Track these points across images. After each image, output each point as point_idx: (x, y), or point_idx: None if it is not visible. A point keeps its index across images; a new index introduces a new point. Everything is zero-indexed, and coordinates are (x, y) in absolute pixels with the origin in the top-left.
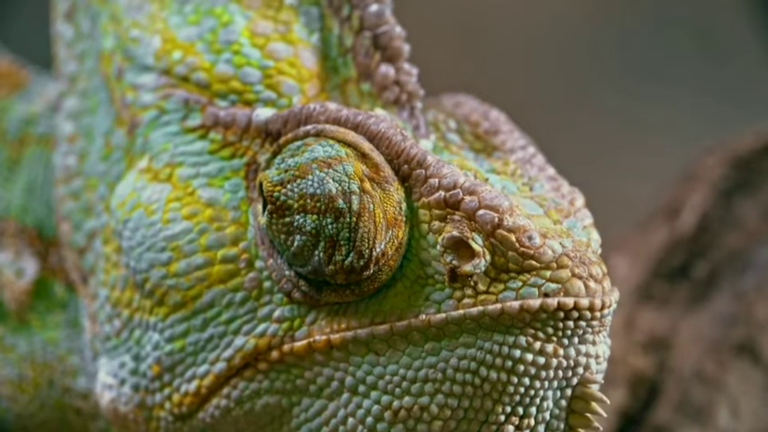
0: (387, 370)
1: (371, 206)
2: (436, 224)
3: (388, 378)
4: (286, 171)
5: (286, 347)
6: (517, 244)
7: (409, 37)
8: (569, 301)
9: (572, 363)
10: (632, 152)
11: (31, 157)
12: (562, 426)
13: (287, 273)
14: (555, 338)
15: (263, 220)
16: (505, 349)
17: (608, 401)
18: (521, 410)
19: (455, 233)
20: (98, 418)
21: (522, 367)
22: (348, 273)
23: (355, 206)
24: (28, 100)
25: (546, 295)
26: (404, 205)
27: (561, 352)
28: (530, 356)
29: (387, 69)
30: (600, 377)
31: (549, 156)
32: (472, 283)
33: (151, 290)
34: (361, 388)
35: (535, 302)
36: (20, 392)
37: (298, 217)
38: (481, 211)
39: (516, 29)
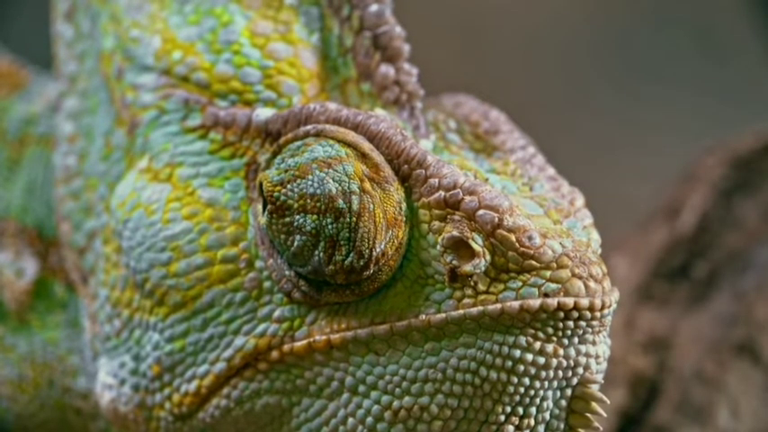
0: (387, 370)
1: (371, 206)
2: (436, 224)
3: (388, 378)
4: (286, 171)
5: (286, 347)
6: (517, 244)
7: (409, 37)
8: (569, 301)
9: (572, 363)
10: (632, 152)
11: (31, 157)
12: (562, 426)
13: (287, 273)
14: (555, 338)
15: (263, 220)
16: (505, 349)
17: (608, 401)
18: (521, 410)
19: (455, 233)
20: (98, 418)
21: (522, 367)
22: (348, 273)
23: (355, 206)
24: (28, 100)
25: (546, 295)
26: (404, 205)
27: (561, 352)
28: (530, 356)
29: (387, 69)
30: (600, 377)
31: (549, 156)
32: (472, 283)
33: (151, 290)
34: (361, 388)
35: (535, 302)
36: (20, 392)
37: (298, 217)
38: (481, 211)
39: (516, 29)
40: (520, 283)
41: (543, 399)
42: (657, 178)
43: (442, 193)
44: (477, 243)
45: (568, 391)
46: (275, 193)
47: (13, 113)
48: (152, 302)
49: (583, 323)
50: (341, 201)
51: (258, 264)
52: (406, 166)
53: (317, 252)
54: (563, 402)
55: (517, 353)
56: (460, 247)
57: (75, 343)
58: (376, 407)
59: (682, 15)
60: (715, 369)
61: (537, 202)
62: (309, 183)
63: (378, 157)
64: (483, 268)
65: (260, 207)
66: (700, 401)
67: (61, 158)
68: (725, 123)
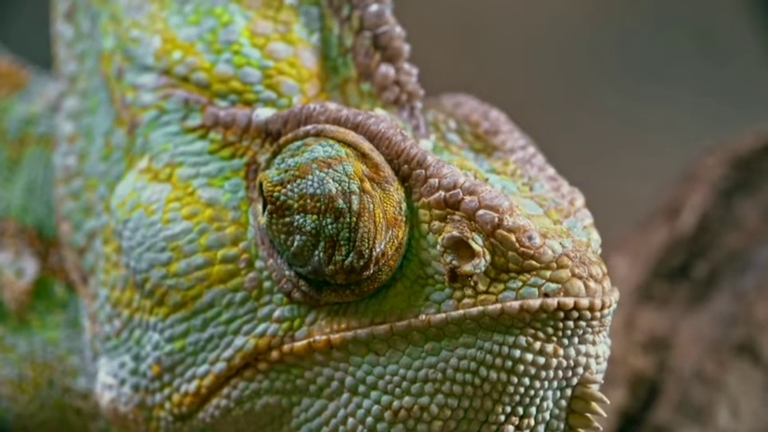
0: (387, 370)
1: (371, 206)
2: (436, 224)
3: (388, 378)
4: (286, 171)
5: (286, 347)
6: (517, 244)
7: (409, 37)
8: (569, 301)
9: (572, 363)
10: (632, 152)
11: (31, 157)
12: (562, 426)
13: (287, 273)
14: (555, 338)
15: (263, 220)
16: (505, 349)
17: (608, 401)
18: (521, 410)
19: (455, 233)
20: (98, 418)
21: (522, 367)
22: (348, 273)
23: (355, 206)
24: (28, 100)
25: (546, 295)
26: (404, 205)
27: (561, 352)
28: (530, 356)
29: (387, 69)
30: (600, 377)
31: (549, 156)
32: (472, 283)
33: (151, 290)
34: (361, 388)
35: (535, 302)
36: (20, 392)
37: (298, 217)
38: (481, 211)
39: (516, 29)
40: (520, 283)
41: (543, 399)
42: (657, 178)
43: (441, 193)
44: (477, 243)
45: (568, 391)
46: (275, 193)
47: (13, 113)
48: (152, 302)
49: (583, 323)
50: (341, 201)
51: (258, 264)
52: (406, 166)
53: (317, 252)
54: (563, 402)
55: (517, 353)
56: (460, 247)
57: (75, 343)
58: (376, 407)
59: (682, 15)
60: (715, 369)
61: (537, 202)
62: (309, 183)
63: (378, 157)
64: (483, 268)
65: (260, 207)
66: (700, 401)
67: (61, 158)
68: (725, 123)
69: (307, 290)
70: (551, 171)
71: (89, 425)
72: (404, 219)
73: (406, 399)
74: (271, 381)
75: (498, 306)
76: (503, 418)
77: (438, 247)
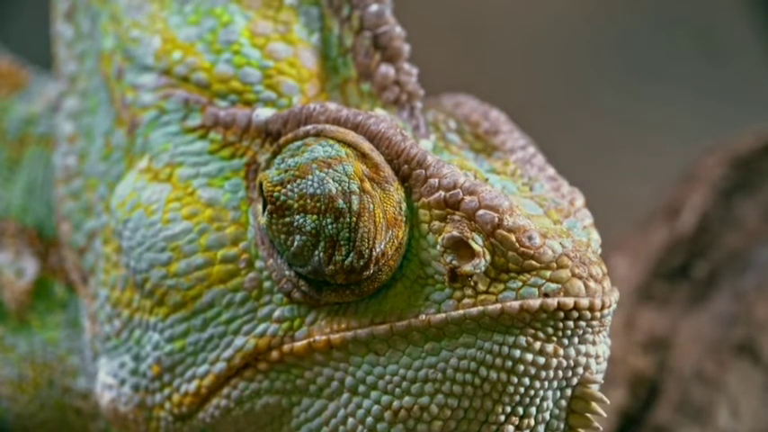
0: (387, 370)
1: (371, 206)
2: (436, 224)
3: (388, 378)
4: (286, 171)
5: (286, 347)
6: (517, 244)
7: (409, 37)
8: (569, 301)
9: (572, 363)
10: (632, 152)
11: (31, 157)
12: (562, 426)
13: (287, 273)
14: (555, 338)
15: (263, 220)
16: (505, 349)
17: (608, 401)
18: (521, 410)
19: (455, 233)
20: (98, 418)
21: (522, 367)
22: (348, 273)
23: (355, 206)
24: (28, 100)
25: (546, 295)
26: (404, 205)
27: (561, 352)
28: (530, 356)
29: (387, 69)
30: (600, 377)
31: (549, 156)
32: (472, 283)
33: (151, 290)
34: (361, 388)
35: (535, 302)
36: (20, 392)
37: (298, 217)
38: (481, 211)
39: (516, 29)
40: (520, 283)
41: (543, 399)
42: (657, 178)
43: (441, 193)
44: (477, 243)
45: (568, 391)
46: (275, 193)
47: (13, 113)
48: (152, 302)
49: (583, 323)
50: (341, 201)
51: (258, 264)
52: (406, 166)
53: (316, 252)
54: (563, 402)
55: (517, 353)
56: (460, 247)
57: (75, 343)
58: (376, 407)
59: (682, 15)
60: (715, 369)
61: (537, 202)
62: (309, 183)
63: (378, 157)
64: (483, 268)
65: (260, 207)
66: (700, 401)
67: (61, 158)
68: (725, 123)
69: (307, 290)
70: (551, 171)
71: (89, 425)
72: (404, 219)
73: (406, 399)
74: (271, 381)
75: (498, 306)
76: (503, 418)
77: (438, 247)
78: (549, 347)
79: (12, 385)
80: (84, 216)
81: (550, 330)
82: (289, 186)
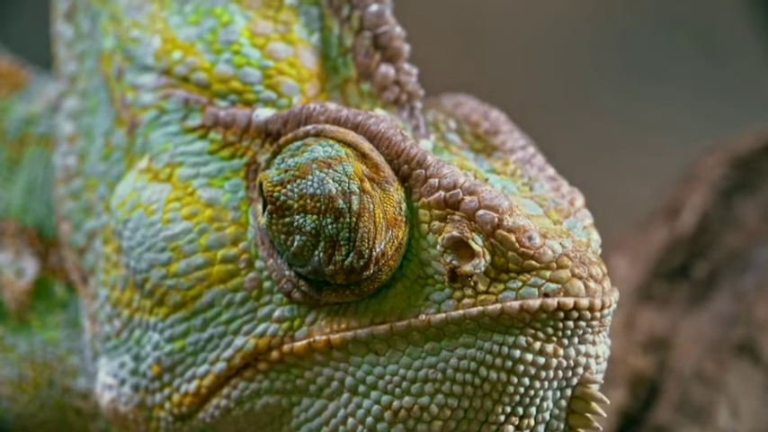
0: (387, 370)
1: (371, 206)
2: (436, 224)
3: (388, 378)
4: (286, 171)
5: (286, 347)
6: (517, 244)
7: (409, 37)
8: (569, 302)
9: (572, 363)
10: (632, 152)
11: (31, 157)
12: (562, 426)
13: (287, 273)
14: (555, 338)
15: (263, 220)
16: (505, 349)
17: (608, 401)
18: (521, 410)
19: (455, 233)
20: (98, 418)
21: (521, 367)
22: (348, 273)
23: (355, 206)
24: (28, 100)
25: (546, 295)
26: (404, 205)
27: (561, 352)
28: (530, 356)
29: (387, 69)
30: (600, 377)
31: (549, 156)
32: (472, 284)
33: (151, 290)
34: (361, 388)
35: (535, 302)
36: (20, 392)
37: (298, 217)
38: (481, 212)
39: (516, 29)
40: (520, 284)
41: (543, 399)
42: (657, 178)
43: (441, 193)
44: (476, 243)
45: (568, 392)
46: (275, 194)
47: (13, 113)
48: (152, 302)
49: (583, 323)
50: (341, 201)
51: (258, 264)
52: (406, 166)
53: (316, 252)
54: (563, 402)
55: (517, 353)
56: (460, 247)
57: (75, 343)
58: (376, 407)
59: (682, 15)
60: (715, 369)
61: (537, 202)
62: (309, 183)
63: (378, 157)
64: (483, 268)
65: (260, 207)
66: (700, 401)
67: (61, 158)
68: (725, 123)
69: (307, 290)
70: (551, 171)
71: (89, 425)
72: (404, 219)
73: (406, 399)
74: (271, 381)
75: (498, 306)
76: (503, 418)
77: (438, 247)
78: (549, 347)
79: (12, 385)
80: (84, 216)
81: (550, 330)
82: (289, 186)
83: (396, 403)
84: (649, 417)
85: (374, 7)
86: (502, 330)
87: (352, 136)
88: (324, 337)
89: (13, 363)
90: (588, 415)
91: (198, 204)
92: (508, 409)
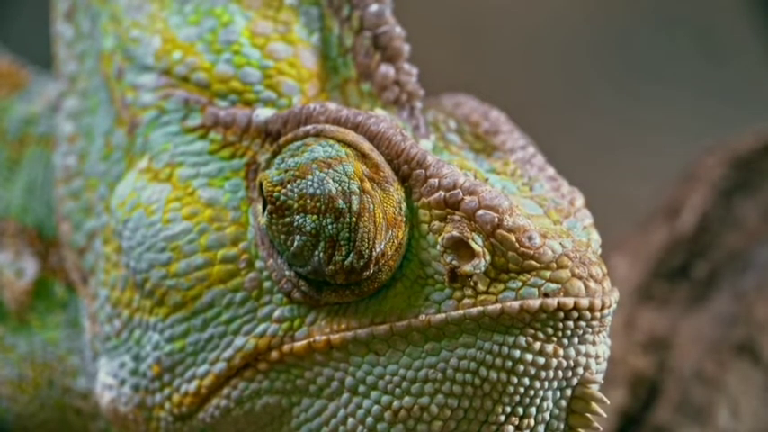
0: (387, 370)
1: (371, 206)
2: (436, 224)
3: (388, 378)
4: (286, 171)
5: (286, 347)
6: (517, 244)
7: (409, 37)
8: (569, 302)
9: (572, 363)
10: (632, 152)
11: (31, 157)
12: (562, 426)
13: (287, 273)
14: (555, 338)
15: (263, 220)
16: (505, 349)
17: (608, 401)
18: (521, 410)
19: (455, 233)
20: (98, 418)
21: (521, 367)
22: (348, 273)
23: (355, 206)
24: (28, 100)
25: (546, 295)
26: (404, 205)
27: (561, 352)
28: (529, 356)
29: (387, 69)
30: (600, 377)
31: (549, 156)
32: (472, 284)
33: (151, 290)
34: (361, 388)
35: (535, 302)
36: (20, 392)
37: (297, 217)
38: (481, 212)
39: (516, 29)
40: (520, 284)
41: (543, 399)
42: (657, 178)
43: (441, 193)
44: (476, 243)
45: (568, 392)
46: (275, 194)
47: (13, 113)
48: (152, 302)
49: (583, 323)
50: (341, 201)
51: (258, 264)
52: (406, 166)
53: (316, 252)
54: (563, 402)
55: (517, 353)
56: (460, 248)
57: (75, 343)
58: (376, 407)
59: (682, 15)
60: (715, 369)
61: (537, 202)
62: (309, 183)
63: (378, 157)
64: (483, 268)
65: (260, 207)
66: (700, 401)
67: (61, 158)
68: (725, 123)
69: (307, 290)
70: (551, 171)
71: (89, 425)
72: (404, 219)
73: (406, 399)
74: (271, 381)
75: (498, 306)
76: (503, 418)
77: (438, 247)
78: (549, 347)
79: (12, 385)
80: (84, 216)
81: (550, 330)
82: (289, 186)
83: (396, 403)
84: (649, 417)
85: (374, 7)
86: (502, 330)
87: (352, 136)
88: (324, 337)
89: (13, 363)
90: (588, 415)
91: (198, 204)
92: (508, 409)
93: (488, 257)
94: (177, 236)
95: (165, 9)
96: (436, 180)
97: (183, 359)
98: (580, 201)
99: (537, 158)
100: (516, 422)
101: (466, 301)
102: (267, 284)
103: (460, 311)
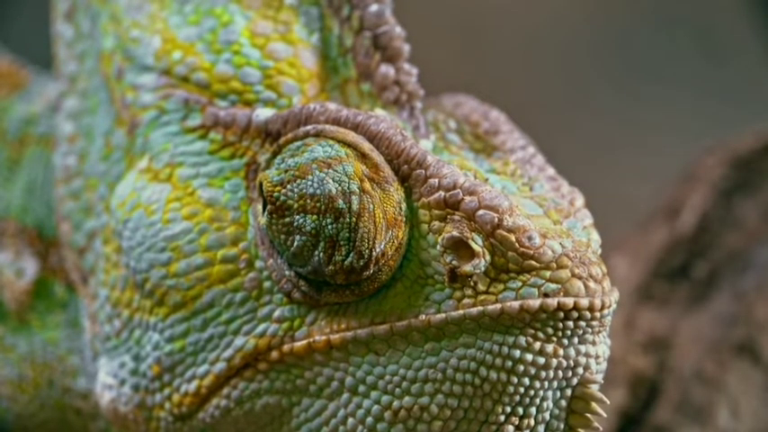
0: (387, 370)
1: (371, 206)
2: (436, 224)
3: (388, 378)
4: (286, 171)
5: (286, 347)
6: (517, 244)
7: (409, 37)
8: (569, 302)
9: (572, 363)
10: (632, 152)
11: (31, 157)
12: (562, 426)
13: (287, 273)
14: (555, 338)
15: (263, 220)
16: (505, 349)
17: (608, 401)
18: (521, 410)
19: (455, 233)
20: (98, 418)
21: (521, 367)
22: (348, 273)
23: (355, 206)
24: (28, 100)
25: (546, 295)
26: (404, 205)
27: (561, 352)
28: (529, 356)
29: (387, 69)
30: (600, 377)
31: (549, 156)
32: (472, 284)
33: (151, 290)
34: (361, 388)
35: (535, 302)
36: (20, 392)
37: (297, 217)
38: (481, 212)
39: (516, 29)
40: (520, 284)
41: (543, 399)
42: (657, 178)
43: (441, 193)
44: (476, 243)
45: (568, 392)
46: (275, 194)
47: (13, 113)
48: (152, 302)
49: (582, 323)
50: (341, 201)
51: (258, 264)
52: (405, 166)
53: (316, 252)
54: (563, 402)
55: (517, 353)
56: (460, 248)
57: (75, 343)
58: (376, 407)
59: (682, 15)
60: (715, 369)
61: (537, 202)
62: (309, 183)
63: (378, 157)
64: (483, 268)
65: (260, 207)
66: (700, 401)
67: (61, 158)
68: (725, 123)
69: (307, 290)
70: (551, 171)
71: (89, 425)
72: (404, 219)
73: (406, 399)
74: (271, 381)
75: (498, 306)
76: (503, 418)
77: (438, 247)
78: (549, 347)
79: (12, 385)
80: (84, 216)
81: (550, 330)
82: (289, 186)
83: (396, 403)
84: (649, 417)
85: (374, 7)
86: (502, 330)
87: (352, 136)
88: (324, 337)
89: (13, 363)
90: (588, 415)
91: (198, 204)
92: (508, 409)
93: (488, 257)
94: (177, 236)
95: (165, 9)
96: (436, 180)
97: (183, 359)
98: (580, 201)
99: (537, 158)
100: (516, 422)
101: (466, 301)
102: (267, 284)
103: (460, 311)
